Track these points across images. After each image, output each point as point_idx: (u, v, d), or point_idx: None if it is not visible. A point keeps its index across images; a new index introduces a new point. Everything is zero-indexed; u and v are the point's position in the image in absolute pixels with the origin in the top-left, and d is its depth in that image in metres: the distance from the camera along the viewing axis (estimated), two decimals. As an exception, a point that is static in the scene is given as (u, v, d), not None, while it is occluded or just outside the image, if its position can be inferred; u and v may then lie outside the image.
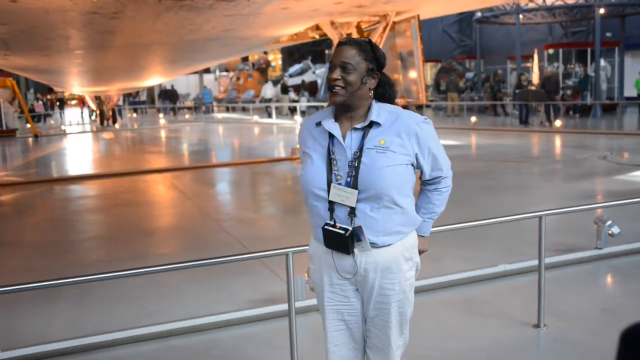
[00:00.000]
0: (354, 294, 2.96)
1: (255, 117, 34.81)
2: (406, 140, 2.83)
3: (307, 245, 3.18)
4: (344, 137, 2.84)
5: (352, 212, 2.79)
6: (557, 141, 19.12)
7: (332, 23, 12.57)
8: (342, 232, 2.78)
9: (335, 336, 3.03)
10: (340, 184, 2.79)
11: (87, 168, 17.32)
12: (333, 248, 2.85)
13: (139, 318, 5.44)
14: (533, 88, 24.23)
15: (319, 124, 2.91)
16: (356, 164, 2.78)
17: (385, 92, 2.95)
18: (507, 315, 5.22)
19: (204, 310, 5.50)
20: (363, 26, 13.83)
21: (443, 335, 4.90)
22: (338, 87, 2.80)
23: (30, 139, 27.05)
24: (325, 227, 2.82)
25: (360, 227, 2.79)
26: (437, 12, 17.63)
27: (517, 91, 25.20)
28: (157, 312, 5.61)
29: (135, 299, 6.03)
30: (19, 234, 9.33)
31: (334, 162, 2.82)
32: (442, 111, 33.31)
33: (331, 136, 2.86)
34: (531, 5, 30.32)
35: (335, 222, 2.81)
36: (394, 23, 13.21)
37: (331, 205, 2.81)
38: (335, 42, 12.64)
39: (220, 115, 41.12)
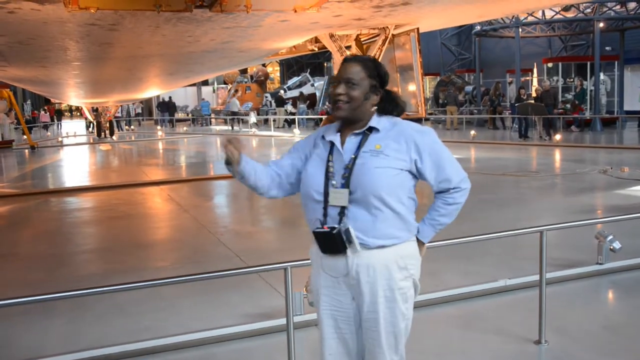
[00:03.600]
0: (349, 300, 2.98)
1: (254, 130, 34.89)
2: (403, 146, 2.90)
3: (307, 259, 3.16)
4: (342, 144, 2.94)
5: (342, 211, 2.85)
6: (557, 155, 19.10)
7: (331, 36, 12.54)
8: (329, 230, 2.84)
9: (330, 345, 3.05)
10: (336, 187, 2.88)
11: (83, 180, 17.25)
12: (328, 252, 2.91)
13: (135, 332, 5.39)
14: (532, 101, 24.21)
15: (324, 137, 3.03)
16: (350, 166, 2.87)
17: (386, 107, 3.02)
18: (507, 331, 5.17)
19: (201, 324, 5.45)
20: (362, 39, 13.81)
21: (442, 351, 4.84)
22: (341, 102, 2.89)
23: (27, 151, 27.00)
24: (315, 230, 2.91)
25: (348, 229, 2.83)
26: (436, 25, 17.62)
27: (516, 104, 25.20)
28: (154, 327, 5.54)
29: (132, 313, 5.97)
30: (14, 246, 9.27)
31: (331, 167, 2.91)
32: (441, 124, 33.33)
33: (332, 146, 2.96)
34: (530, 18, 30.41)
35: (323, 224, 2.88)
36: (393, 36, 13.18)
37: (325, 209, 2.89)
38: (335, 54, 12.66)
39: (218, 128, 41.16)
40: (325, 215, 2.89)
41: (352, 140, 2.93)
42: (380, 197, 2.83)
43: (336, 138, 2.95)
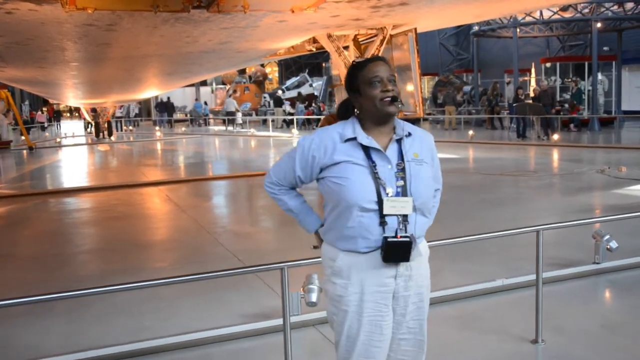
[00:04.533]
0: (390, 303, 2.94)
1: (252, 130, 34.93)
2: (425, 151, 2.98)
3: (303, 259, 3.14)
4: (384, 149, 2.88)
5: (405, 220, 2.83)
6: (555, 155, 19.12)
7: (329, 36, 12.55)
8: (407, 239, 2.80)
9: (373, 353, 2.96)
10: (390, 195, 2.82)
11: (82, 180, 17.26)
12: (392, 260, 2.83)
13: (134, 332, 5.39)
14: (530, 101, 24.23)
15: (349, 139, 2.89)
16: (403, 175, 2.85)
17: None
18: (504, 331, 5.17)
19: (199, 324, 5.45)
20: (360, 39, 13.82)
21: (440, 351, 4.83)
22: (396, 99, 2.88)
23: (25, 151, 26.99)
24: (389, 240, 2.79)
25: (413, 235, 2.84)
26: (434, 25, 17.63)
27: (514, 104, 25.23)
28: (152, 327, 5.55)
29: (131, 313, 5.97)
30: (13, 246, 9.27)
31: (377, 174, 2.83)
32: (440, 124, 33.36)
33: (365, 149, 2.86)
34: (528, 19, 30.44)
35: (396, 233, 2.81)
36: (391, 36, 13.19)
37: (383, 218, 2.81)
38: (333, 55, 12.68)
39: (216, 128, 41.18)
40: (384, 225, 2.81)
41: (392, 147, 2.88)
42: (429, 205, 2.95)
43: (374, 142, 2.85)
